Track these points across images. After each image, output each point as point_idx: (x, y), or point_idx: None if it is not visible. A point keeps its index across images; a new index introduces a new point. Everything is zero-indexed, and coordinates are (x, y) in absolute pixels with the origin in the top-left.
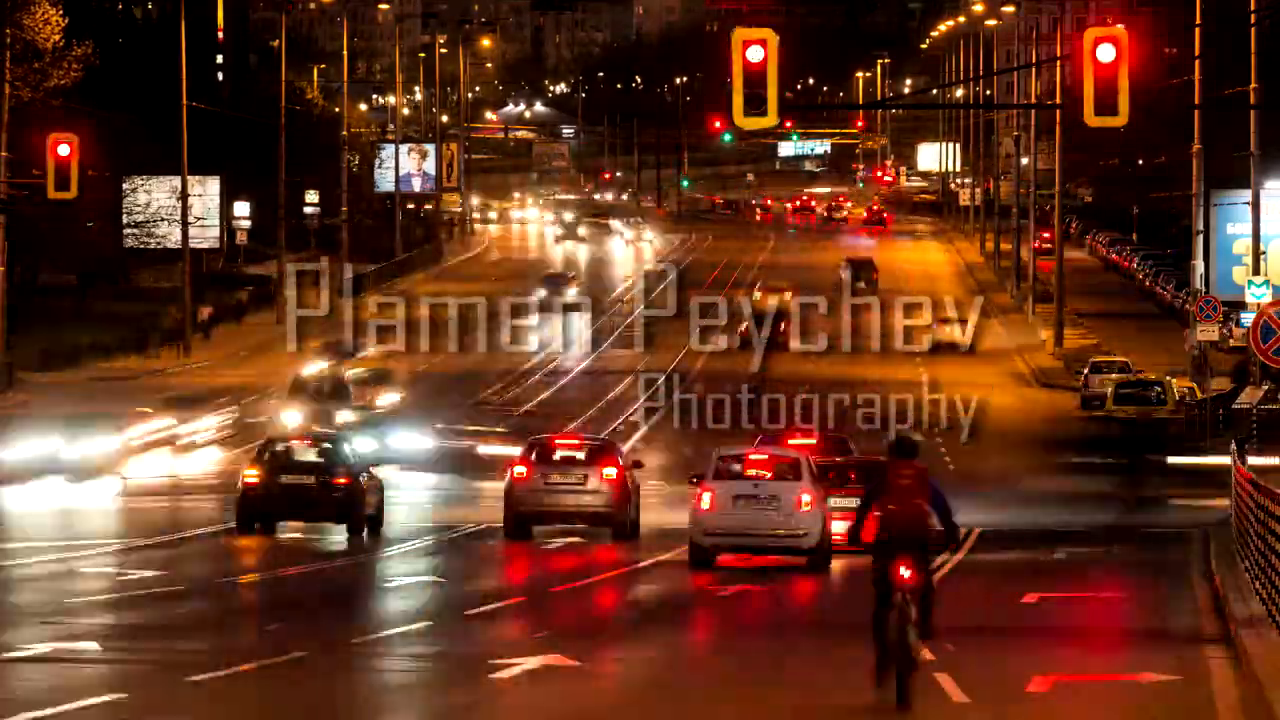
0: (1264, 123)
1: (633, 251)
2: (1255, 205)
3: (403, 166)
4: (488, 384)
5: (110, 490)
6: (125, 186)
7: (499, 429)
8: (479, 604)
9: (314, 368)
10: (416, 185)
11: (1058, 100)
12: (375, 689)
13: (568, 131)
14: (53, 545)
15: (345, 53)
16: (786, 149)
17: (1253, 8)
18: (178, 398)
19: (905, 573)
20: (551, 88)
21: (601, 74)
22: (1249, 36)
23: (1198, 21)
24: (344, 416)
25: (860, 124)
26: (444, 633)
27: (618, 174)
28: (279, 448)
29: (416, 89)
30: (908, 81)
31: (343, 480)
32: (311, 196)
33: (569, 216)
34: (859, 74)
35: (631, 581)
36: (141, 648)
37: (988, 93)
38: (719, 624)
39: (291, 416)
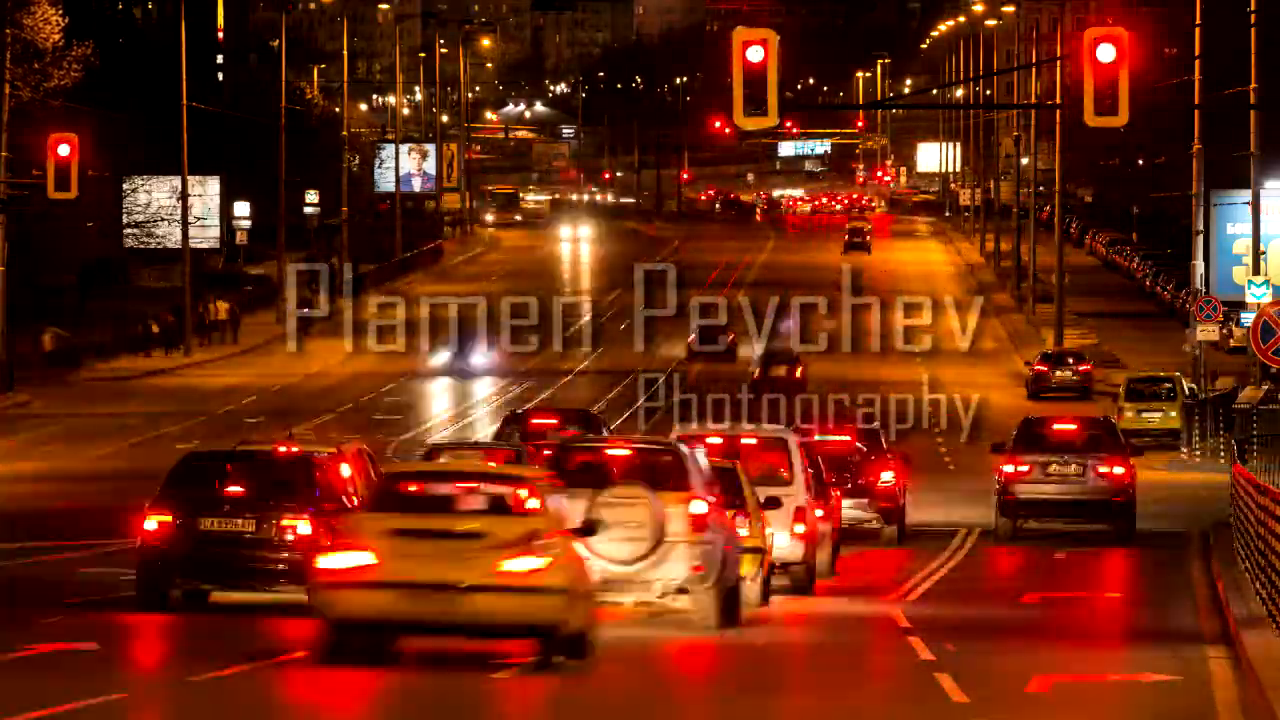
0: (1264, 123)
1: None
2: (1255, 205)
3: (403, 166)
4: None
5: None
6: (125, 186)
7: None
8: None
9: None
10: (416, 185)
11: (1058, 100)
12: None
13: (568, 131)
14: None
15: (345, 53)
16: (786, 149)
17: (1253, 8)
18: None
19: None
20: (551, 88)
21: (601, 74)
22: (1249, 36)
23: (1198, 21)
24: None
25: (860, 124)
26: None
27: (618, 174)
28: None
29: (416, 89)
30: (908, 81)
31: None
32: (311, 196)
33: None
34: (859, 74)
35: None
36: None
37: (988, 93)
38: None
39: None
